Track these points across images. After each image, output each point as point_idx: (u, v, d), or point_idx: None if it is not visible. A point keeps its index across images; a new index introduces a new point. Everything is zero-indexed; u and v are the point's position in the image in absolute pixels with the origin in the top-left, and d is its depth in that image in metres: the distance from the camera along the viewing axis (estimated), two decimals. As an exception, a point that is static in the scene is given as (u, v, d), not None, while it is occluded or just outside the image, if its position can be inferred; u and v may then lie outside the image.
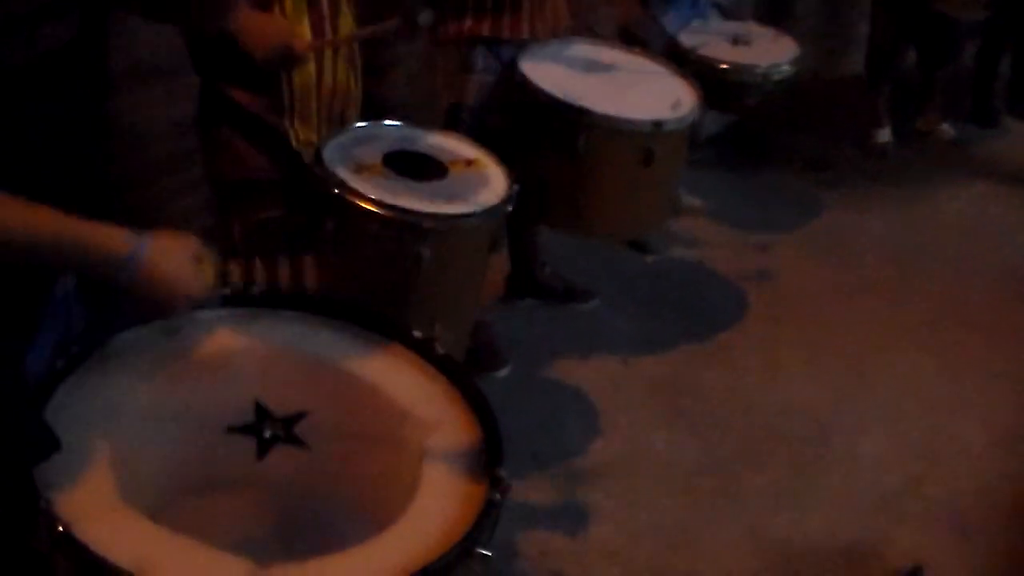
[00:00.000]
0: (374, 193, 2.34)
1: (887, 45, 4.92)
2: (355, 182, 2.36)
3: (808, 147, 4.99)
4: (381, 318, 1.91)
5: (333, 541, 1.57)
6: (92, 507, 1.47)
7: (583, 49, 3.16)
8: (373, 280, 2.43)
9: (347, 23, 2.47)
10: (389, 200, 2.33)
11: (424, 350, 1.87)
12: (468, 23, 2.91)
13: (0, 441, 1.48)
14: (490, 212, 2.45)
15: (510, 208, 2.51)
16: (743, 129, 4.80)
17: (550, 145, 2.92)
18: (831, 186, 4.69)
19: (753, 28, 3.93)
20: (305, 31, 2.35)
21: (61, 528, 1.41)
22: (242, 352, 1.81)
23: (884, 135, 5.04)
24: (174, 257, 1.59)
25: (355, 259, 2.44)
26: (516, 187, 2.52)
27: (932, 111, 5.24)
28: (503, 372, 3.26)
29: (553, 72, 2.95)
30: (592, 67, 3.07)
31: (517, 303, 3.65)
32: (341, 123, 2.50)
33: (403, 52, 3.58)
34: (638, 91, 3.03)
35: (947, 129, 5.25)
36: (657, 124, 2.89)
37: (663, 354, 3.49)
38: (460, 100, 2.98)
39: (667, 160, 2.97)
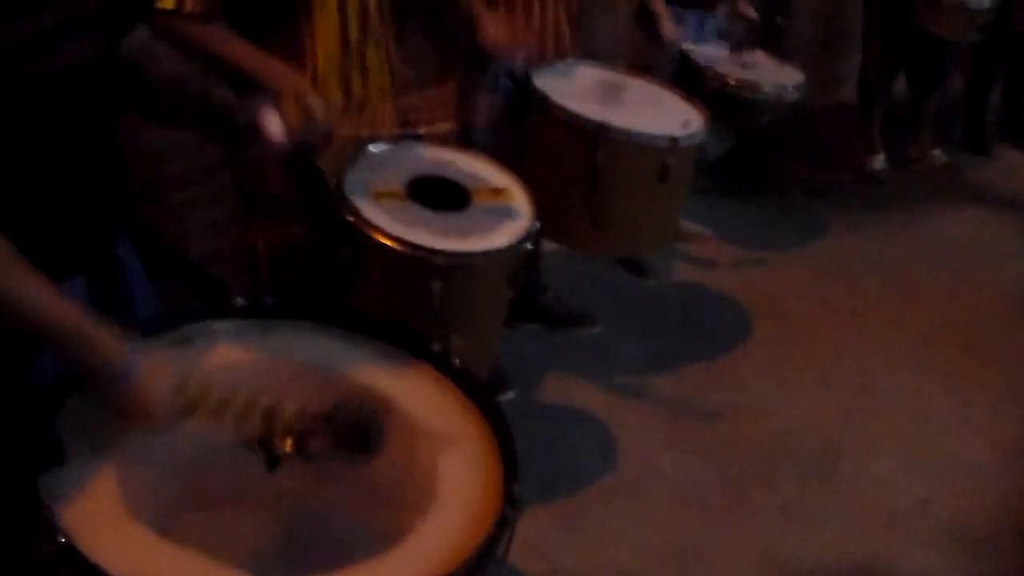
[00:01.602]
0: (387, 225, 2.30)
1: (878, 71, 4.99)
2: (370, 211, 2.32)
3: (805, 174, 5.04)
4: (398, 331, 1.88)
5: (344, 557, 1.54)
6: (96, 520, 1.45)
7: (591, 71, 3.19)
8: (385, 309, 2.41)
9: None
10: (401, 233, 2.29)
11: (441, 364, 1.85)
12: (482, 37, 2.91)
13: (5, 449, 1.47)
14: (506, 251, 2.39)
15: (529, 246, 2.46)
16: (740, 156, 4.82)
17: (568, 161, 2.94)
18: (830, 211, 4.73)
19: (759, 56, 3.97)
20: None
21: (62, 540, 1.38)
22: (253, 365, 1.78)
23: (879, 162, 5.10)
24: (158, 381, 1.54)
25: (368, 287, 2.42)
26: (538, 224, 2.48)
27: (923, 138, 5.29)
28: (508, 395, 3.26)
29: (567, 90, 2.98)
30: (602, 87, 3.11)
31: (520, 327, 3.65)
32: (371, 138, 2.48)
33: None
34: (648, 110, 3.08)
35: (939, 155, 5.31)
36: (674, 140, 2.92)
37: (669, 376, 3.50)
38: (471, 122, 2.99)
39: (680, 177, 3.02)
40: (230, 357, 1.77)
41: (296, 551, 1.74)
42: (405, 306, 2.38)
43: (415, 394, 1.79)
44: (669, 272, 4.14)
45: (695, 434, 3.24)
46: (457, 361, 1.84)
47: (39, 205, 1.51)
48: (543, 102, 2.92)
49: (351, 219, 2.31)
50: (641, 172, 2.97)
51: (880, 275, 4.24)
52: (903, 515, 2.99)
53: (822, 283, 4.16)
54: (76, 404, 1.61)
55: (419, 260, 2.30)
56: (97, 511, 1.46)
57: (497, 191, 2.54)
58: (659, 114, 3.06)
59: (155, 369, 1.53)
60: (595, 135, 2.87)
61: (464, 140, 2.98)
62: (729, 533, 2.87)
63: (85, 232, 1.62)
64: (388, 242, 2.30)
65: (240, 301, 1.84)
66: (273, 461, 1.67)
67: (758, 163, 4.93)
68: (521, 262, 2.52)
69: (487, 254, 2.37)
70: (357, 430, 1.59)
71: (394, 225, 2.32)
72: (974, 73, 5.47)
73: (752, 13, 4.06)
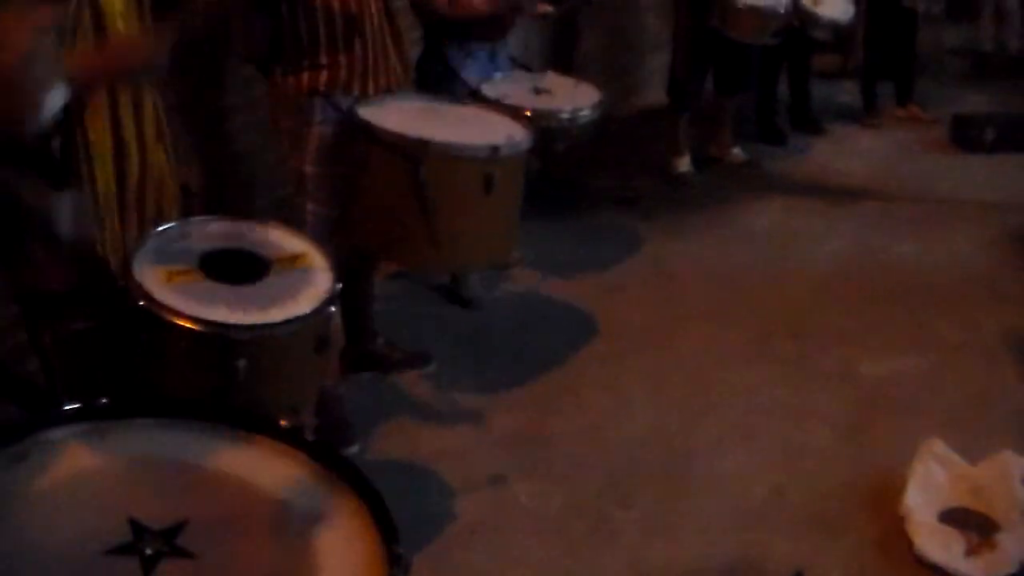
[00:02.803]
0: (183, 305, 2.19)
1: (687, 71, 5.08)
2: (163, 293, 2.20)
3: (614, 184, 5.09)
4: (239, 412, 1.79)
5: None
6: None
7: (417, 100, 3.24)
8: (191, 390, 2.28)
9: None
10: (199, 312, 2.19)
11: (291, 438, 1.75)
12: (305, 77, 2.98)
13: None
14: (307, 318, 2.30)
15: (333, 309, 2.38)
16: (548, 177, 4.85)
17: (394, 181, 2.94)
18: (642, 219, 4.79)
19: (553, 78, 3.98)
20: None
21: None
22: (101, 469, 1.65)
23: (684, 164, 5.21)
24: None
25: (171, 372, 2.28)
26: (339, 286, 2.41)
27: (724, 137, 5.45)
28: (354, 448, 3.14)
29: (391, 115, 3.00)
30: (427, 111, 3.16)
31: (355, 377, 3.54)
32: (158, 217, 2.35)
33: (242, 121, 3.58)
34: (473, 126, 3.13)
35: (738, 153, 5.48)
36: (495, 148, 2.97)
37: (509, 405, 3.43)
38: (302, 163, 3.02)
39: (507, 188, 3.05)
40: (77, 466, 1.64)
41: None
42: (211, 386, 2.26)
43: (272, 472, 1.70)
44: (494, 300, 4.09)
45: (543, 461, 3.18)
46: (307, 433, 1.76)
47: None
48: (366, 127, 2.93)
49: (143, 303, 2.18)
50: (466, 184, 3.00)
51: (700, 275, 4.31)
52: (760, 509, 3.00)
53: (645, 291, 4.19)
54: None
55: (220, 338, 2.20)
56: None
57: (295, 257, 2.44)
58: (483, 130, 3.12)
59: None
60: (416, 151, 2.89)
61: (298, 185, 3.01)
62: (594, 556, 2.81)
63: None
64: (186, 323, 2.18)
65: (70, 406, 1.70)
66: (148, 564, 1.54)
67: (566, 182, 4.95)
68: (325, 327, 2.43)
69: (289, 322, 2.28)
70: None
71: (190, 305, 2.21)
72: (761, 69, 5.66)
73: (547, 8, 4.07)
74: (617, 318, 3.96)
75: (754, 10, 4.74)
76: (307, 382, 2.45)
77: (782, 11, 4.77)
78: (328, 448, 1.77)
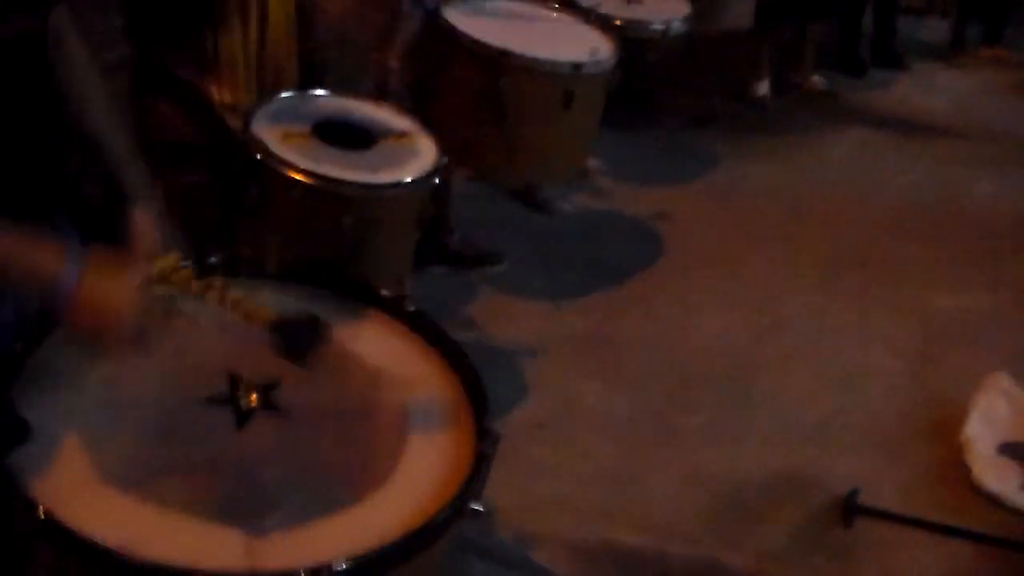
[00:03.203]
0: (297, 160, 2.31)
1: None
2: (279, 148, 2.33)
3: (692, 103, 5.07)
4: (345, 280, 1.87)
5: (324, 507, 1.52)
6: (70, 490, 1.39)
7: (503, 4, 3.23)
8: (297, 247, 2.39)
9: None
10: (312, 167, 2.30)
11: (394, 309, 1.82)
12: None
13: None
14: (415, 184, 2.43)
15: (437, 181, 2.49)
16: (628, 90, 4.84)
17: (473, 88, 2.96)
18: (719, 139, 4.78)
19: None
20: None
21: (42, 513, 1.33)
22: (206, 322, 1.72)
23: (763, 87, 5.16)
24: (113, 281, 1.39)
25: (279, 226, 2.39)
26: (444, 159, 2.50)
27: (805, 64, 5.39)
28: None
29: (475, 21, 3.00)
30: (515, 17, 3.16)
31: (429, 271, 3.61)
32: (276, 86, 2.45)
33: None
34: (558, 39, 3.13)
35: (819, 81, 5.42)
36: (577, 66, 2.98)
37: (580, 309, 3.49)
38: (386, 60, 2.98)
39: (586, 104, 3.07)
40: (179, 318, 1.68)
41: (274, 507, 1.69)
42: (317, 243, 2.36)
43: (372, 341, 1.77)
44: (568, 208, 4.13)
45: (611, 364, 3.25)
46: (409, 305, 1.82)
47: None
48: (450, 31, 2.93)
49: (260, 156, 2.28)
50: (545, 99, 3.01)
51: (774, 199, 4.32)
52: (820, 426, 3.06)
53: (719, 210, 4.21)
54: (34, 373, 1.54)
55: (329, 193, 2.31)
56: (71, 483, 1.40)
57: (402, 135, 2.56)
58: (567, 42, 3.12)
59: (109, 268, 1.41)
60: (497, 61, 2.90)
61: (380, 83, 2.99)
62: (656, 456, 2.90)
63: (25, 201, 1.53)
64: (299, 176, 2.30)
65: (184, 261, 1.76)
66: (242, 418, 1.63)
67: (646, 96, 4.94)
68: (429, 198, 2.53)
69: (399, 185, 2.40)
70: (294, 338, 1.53)
71: (305, 160, 2.33)
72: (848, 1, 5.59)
73: None
74: (689, 233, 3.99)
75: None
76: (407, 254, 2.54)
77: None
78: (428, 320, 1.84)
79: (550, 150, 3.13)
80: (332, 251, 2.36)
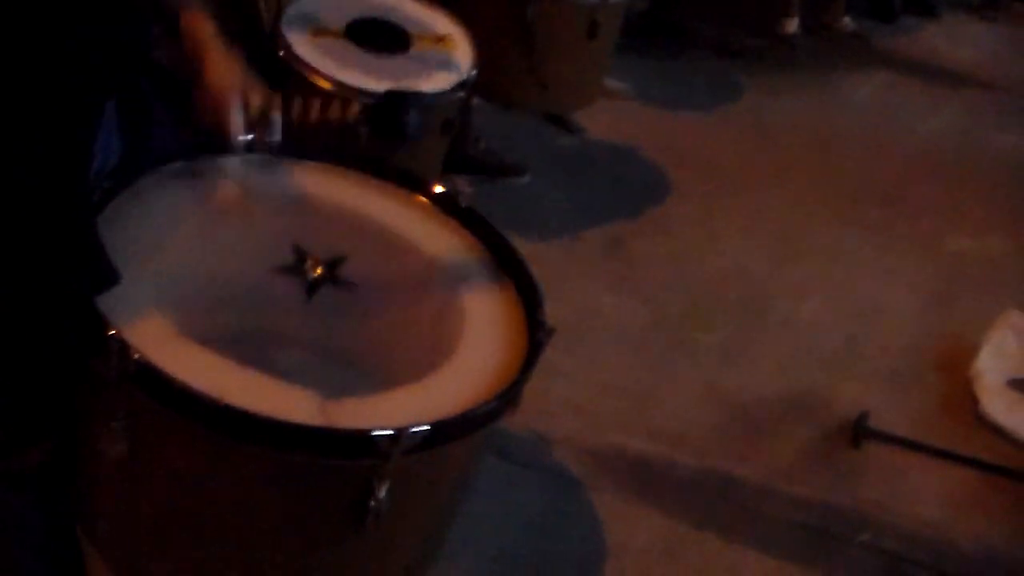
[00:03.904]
0: (317, 62, 2.25)
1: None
2: (303, 47, 2.27)
3: (719, 36, 5.05)
4: (400, 170, 1.87)
5: (387, 382, 1.55)
6: (155, 339, 1.40)
7: None
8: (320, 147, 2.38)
9: None
10: (330, 72, 2.25)
11: (446, 203, 1.84)
12: None
13: (65, 270, 1.40)
14: (438, 96, 2.36)
15: (462, 95, 2.46)
16: (655, 19, 4.83)
17: (500, 19, 2.93)
18: (745, 72, 4.77)
19: None
20: None
21: (137, 356, 1.34)
22: (270, 197, 1.75)
23: (793, 25, 5.13)
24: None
25: (305, 123, 2.37)
26: (475, 74, 2.46)
27: (835, 4, 5.36)
28: None
29: None
30: None
31: (450, 178, 3.62)
32: None
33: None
34: None
35: (848, 22, 5.39)
36: None
37: (601, 225, 3.51)
38: None
39: (608, 34, 3.08)
40: (248, 191, 1.73)
41: (339, 381, 1.72)
42: (335, 146, 2.34)
43: (426, 231, 1.79)
44: (594, 127, 4.12)
45: (630, 279, 3.28)
46: (462, 201, 1.83)
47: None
48: None
49: (282, 53, 2.25)
50: (571, 29, 3.00)
51: (797, 134, 4.31)
52: (833, 353, 3.10)
53: (742, 141, 4.21)
54: (121, 213, 1.55)
55: (346, 100, 2.25)
56: (155, 333, 1.41)
57: (439, 38, 2.50)
58: None
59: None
60: None
61: None
62: (671, 370, 2.93)
63: (117, 58, 1.52)
64: (314, 79, 2.25)
65: (243, 139, 1.75)
66: (311, 287, 1.65)
67: (673, 25, 4.92)
68: (454, 111, 2.50)
69: (420, 95, 2.31)
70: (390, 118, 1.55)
71: (326, 63, 2.27)
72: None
73: None
74: (712, 160, 4.00)
75: None
76: (433, 157, 2.53)
77: None
78: (478, 216, 1.84)
79: (574, 80, 3.15)
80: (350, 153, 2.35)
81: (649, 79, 4.49)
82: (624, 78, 4.39)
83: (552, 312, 3.01)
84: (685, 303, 3.20)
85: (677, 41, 4.90)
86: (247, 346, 1.57)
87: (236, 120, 1.67)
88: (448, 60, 2.47)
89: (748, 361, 3.00)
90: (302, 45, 2.29)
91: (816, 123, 4.43)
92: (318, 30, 2.34)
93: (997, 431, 2.85)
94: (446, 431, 1.43)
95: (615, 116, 4.20)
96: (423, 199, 1.84)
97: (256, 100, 1.68)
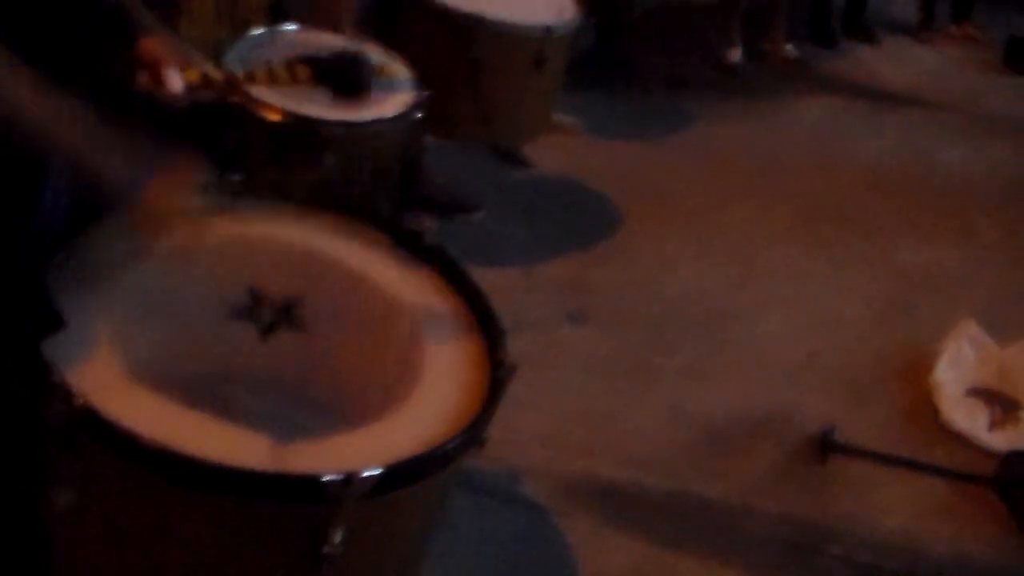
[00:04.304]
0: (272, 99, 2.23)
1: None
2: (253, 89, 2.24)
3: (666, 67, 5.12)
4: (362, 209, 1.88)
5: (340, 425, 1.54)
6: (102, 384, 1.38)
7: None
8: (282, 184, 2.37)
9: None
10: (288, 107, 2.24)
11: (408, 241, 1.84)
12: None
13: (7, 314, 1.38)
14: (395, 120, 2.39)
15: (419, 116, 2.47)
16: (602, 53, 4.89)
17: (444, 56, 2.92)
18: (693, 101, 4.83)
19: None
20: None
21: (80, 401, 1.32)
22: (228, 239, 1.75)
23: (736, 54, 5.22)
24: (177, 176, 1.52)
25: (260, 165, 2.36)
26: (426, 94, 2.49)
27: (777, 32, 5.45)
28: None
29: None
30: None
31: (405, 217, 3.62)
32: (246, 22, 2.43)
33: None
34: (523, 3, 3.07)
35: (791, 49, 5.49)
36: (548, 29, 2.96)
37: (555, 257, 3.52)
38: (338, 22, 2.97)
39: (555, 66, 3.08)
40: (202, 233, 1.71)
41: (297, 422, 1.70)
42: (300, 182, 2.33)
43: (386, 268, 1.79)
44: (544, 161, 4.15)
45: (589, 308, 3.29)
46: (425, 236, 1.83)
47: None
48: (415, 0, 2.89)
49: (235, 100, 2.24)
50: (518, 62, 3.01)
51: (747, 157, 4.37)
52: (794, 369, 3.12)
53: (693, 167, 4.25)
54: (71, 267, 1.54)
55: (308, 132, 2.25)
56: (102, 377, 1.40)
57: (381, 68, 2.49)
58: (532, 4, 3.06)
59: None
60: (470, 28, 2.86)
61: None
62: (635, 395, 2.94)
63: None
64: (273, 116, 2.24)
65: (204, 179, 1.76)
66: (266, 329, 1.64)
67: (620, 58, 4.98)
68: (413, 133, 2.51)
69: (379, 121, 2.35)
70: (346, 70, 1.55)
71: (280, 99, 2.25)
72: (820, -29, 5.66)
73: None
74: (664, 187, 4.03)
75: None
76: (392, 186, 2.54)
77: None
78: (442, 252, 1.85)
79: (522, 113, 3.15)
80: (312, 188, 2.34)
81: (598, 112, 4.52)
82: (573, 112, 4.42)
83: (514, 344, 3.03)
84: (646, 329, 3.21)
85: (624, 74, 4.96)
86: (203, 388, 1.55)
87: (173, 76, 1.66)
88: (394, 85, 2.48)
89: (712, 381, 3.02)
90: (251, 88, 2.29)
91: (765, 147, 4.49)
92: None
93: (959, 439, 2.87)
94: (401, 474, 1.40)
95: (566, 150, 4.24)
96: (384, 237, 1.84)
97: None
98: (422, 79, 2.64)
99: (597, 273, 3.46)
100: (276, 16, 2.63)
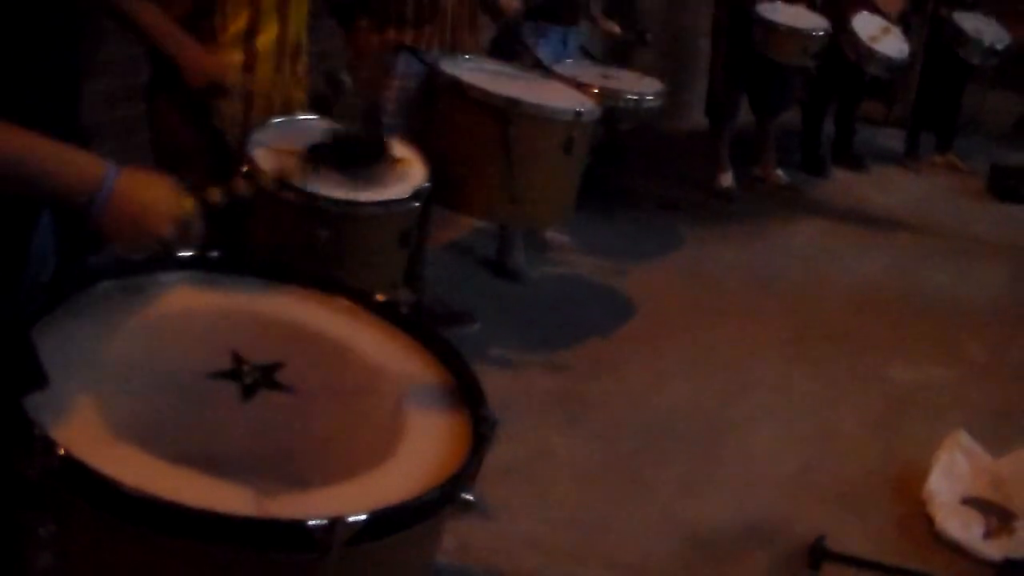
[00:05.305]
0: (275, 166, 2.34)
1: (724, 94, 5.27)
2: (265, 160, 2.37)
3: (659, 190, 5.25)
4: (340, 284, 1.91)
5: (324, 481, 1.54)
6: (84, 439, 1.38)
7: (491, 65, 3.39)
8: (279, 253, 2.42)
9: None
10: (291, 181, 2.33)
11: (386, 312, 1.87)
12: (391, 33, 3.17)
13: None
14: (392, 204, 2.48)
15: (417, 204, 2.56)
16: (597, 173, 5.00)
17: (480, 137, 3.09)
18: (685, 223, 4.94)
19: (619, 71, 4.15)
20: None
21: (62, 452, 1.31)
22: (208, 310, 1.77)
23: (727, 179, 5.36)
24: (150, 185, 1.53)
25: (263, 233, 2.43)
26: (428, 185, 2.57)
27: (767, 159, 5.61)
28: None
29: (474, 74, 3.15)
30: (504, 75, 3.31)
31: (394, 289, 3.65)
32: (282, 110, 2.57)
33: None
34: (551, 92, 3.30)
35: (781, 175, 5.64)
36: (578, 113, 3.15)
37: (550, 369, 3.55)
38: (379, 102, 3.13)
39: (581, 151, 3.25)
40: (187, 304, 1.76)
41: (277, 483, 1.70)
42: (293, 254, 2.39)
43: (367, 338, 1.81)
44: (538, 276, 4.23)
45: (582, 420, 3.30)
46: (402, 308, 1.87)
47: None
48: (455, 83, 3.07)
49: (246, 168, 2.34)
50: (549, 144, 3.17)
51: (739, 278, 4.44)
52: (788, 482, 3.10)
53: (685, 286, 4.33)
54: (55, 324, 1.56)
55: (305, 206, 2.35)
56: (85, 433, 1.40)
57: (398, 160, 2.61)
58: (562, 96, 3.29)
59: (143, 176, 1.53)
60: (507, 110, 3.04)
61: (372, 120, 3.07)
62: (628, 505, 2.92)
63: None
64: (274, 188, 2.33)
65: (185, 254, 1.80)
66: (248, 390, 1.66)
67: (614, 179, 5.10)
68: (412, 220, 2.59)
69: (376, 204, 2.44)
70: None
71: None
72: (809, 100, 5.85)
73: (615, 28, 4.26)
74: (656, 305, 4.09)
75: (795, 32, 4.92)
76: (389, 272, 2.59)
77: (822, 33, 4.97)
78: (419, 321, 1.88)
79: (549, 195, 3.27)
80: (309, 261, 2.39)
81: (592, 230, 4.63)
82: (569, 229, 4.53)
83: (506, 453, 3.05)
84: (638, 440, 3.21)
85: (618, 195, 5.07)
86: (186, 451, 1.56)
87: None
88: (404, 175, 2.58)
89: (704, 491, 3.00)
90: (263, 160, 2.38)
91: (757, 267, 4.57)
92: (278, 151, 2.42)
93: (954, 548, 2.84)
94: (387, 521, 1.40)
95: (560, 265, 4.32)
96: (365, 309, 1.87)
97: None
98: (456, 161, 2.85)
99: (588, 385, 3.48)
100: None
